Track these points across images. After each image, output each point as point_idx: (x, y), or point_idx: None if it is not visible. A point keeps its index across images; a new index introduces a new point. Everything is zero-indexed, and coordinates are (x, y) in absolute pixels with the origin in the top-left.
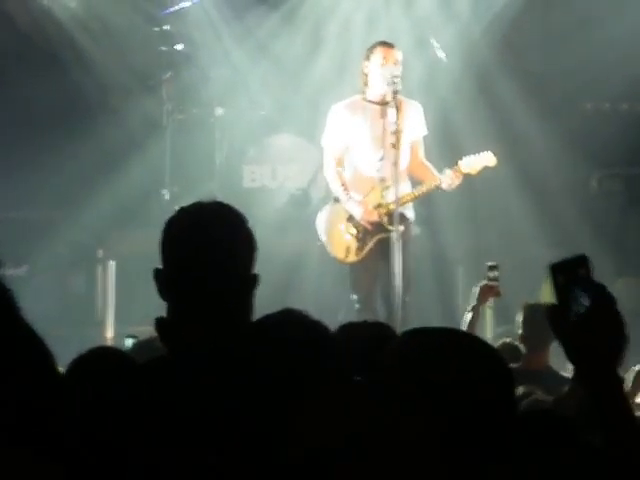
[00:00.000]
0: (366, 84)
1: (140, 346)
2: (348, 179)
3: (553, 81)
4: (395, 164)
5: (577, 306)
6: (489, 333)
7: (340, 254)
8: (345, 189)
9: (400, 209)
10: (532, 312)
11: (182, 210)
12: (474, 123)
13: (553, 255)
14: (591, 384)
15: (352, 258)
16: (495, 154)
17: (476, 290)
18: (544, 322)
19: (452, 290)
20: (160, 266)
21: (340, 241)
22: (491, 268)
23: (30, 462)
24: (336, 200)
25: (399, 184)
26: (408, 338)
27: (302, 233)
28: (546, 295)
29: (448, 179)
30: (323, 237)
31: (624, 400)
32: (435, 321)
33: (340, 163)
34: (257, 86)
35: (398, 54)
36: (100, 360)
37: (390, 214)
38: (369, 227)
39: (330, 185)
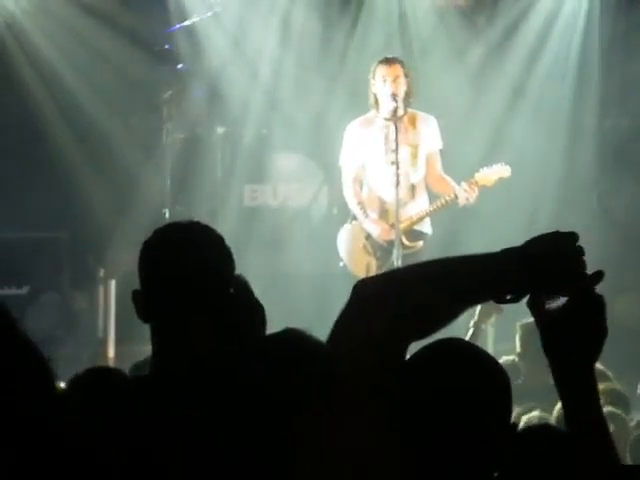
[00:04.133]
0: (376, 102)
1: (137, 368)
2: (365, 197)
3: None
4: (398, 181)
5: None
6: (490, 350)
7: (361, 273)
8: (362, 207)
9: (418, 225)
10: (529, 331)
11: (158, 231)
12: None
13: None
14: (565, 379)
15: None
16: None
17: (478, 307)
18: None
19: None
20: (138, 288)
21: (360, 260)
22: None
23: None
24: (353, 219)
25: (407, 200)
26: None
27: (303, 251)
28: None
29: (464, 193)
30: (344, 257)
31: (597, 398)
32: (437, 336)
33: (358, 181)
34: (258, 103)
35: (398, 69)
36: (98, 379)
37: (407, 231)
38: (387, 245)
39: (348, 204)
